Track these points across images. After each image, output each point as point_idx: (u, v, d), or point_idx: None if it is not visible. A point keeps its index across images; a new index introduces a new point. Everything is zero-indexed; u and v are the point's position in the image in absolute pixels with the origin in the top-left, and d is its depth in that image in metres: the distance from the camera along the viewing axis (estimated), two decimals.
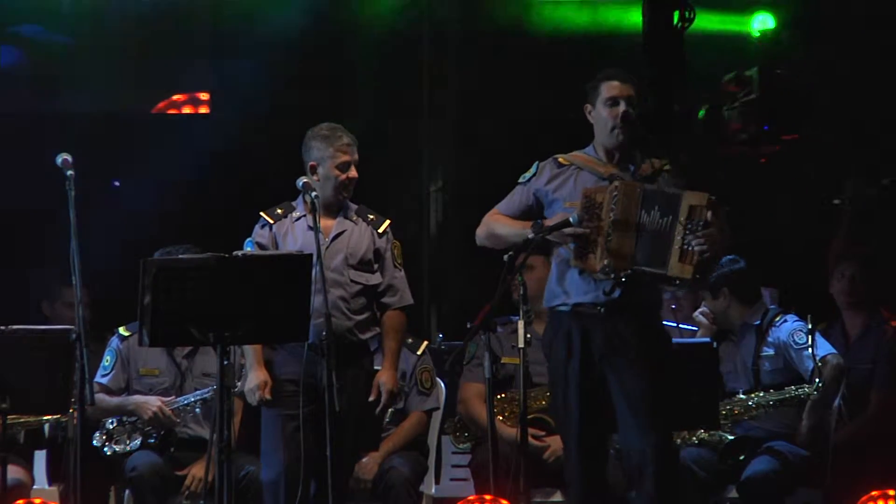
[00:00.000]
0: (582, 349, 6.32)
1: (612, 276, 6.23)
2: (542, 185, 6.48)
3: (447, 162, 10.43)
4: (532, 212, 6.50)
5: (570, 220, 6.31)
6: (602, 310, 6.30)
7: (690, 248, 6.13)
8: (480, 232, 6.61)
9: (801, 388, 7.52)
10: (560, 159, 6.49)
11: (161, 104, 10.12)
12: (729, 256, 7.73)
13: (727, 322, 7.79)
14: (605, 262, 6.23)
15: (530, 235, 6.34)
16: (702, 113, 4.93)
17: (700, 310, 7.91)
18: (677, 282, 6.26)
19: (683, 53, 4.77)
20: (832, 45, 9.26)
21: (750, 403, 7.56)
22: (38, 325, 7.11)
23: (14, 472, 7.19)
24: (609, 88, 6.39)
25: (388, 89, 10.07)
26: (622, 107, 6.36)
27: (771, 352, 7.64)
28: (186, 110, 10.15)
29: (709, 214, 6.13)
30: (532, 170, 6.54)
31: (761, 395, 7.57)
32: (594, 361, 6.31)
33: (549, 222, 6.37)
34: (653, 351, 6.31)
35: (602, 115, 6.39)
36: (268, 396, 6.80)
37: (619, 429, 6.35)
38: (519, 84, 9.90)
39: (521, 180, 6.56)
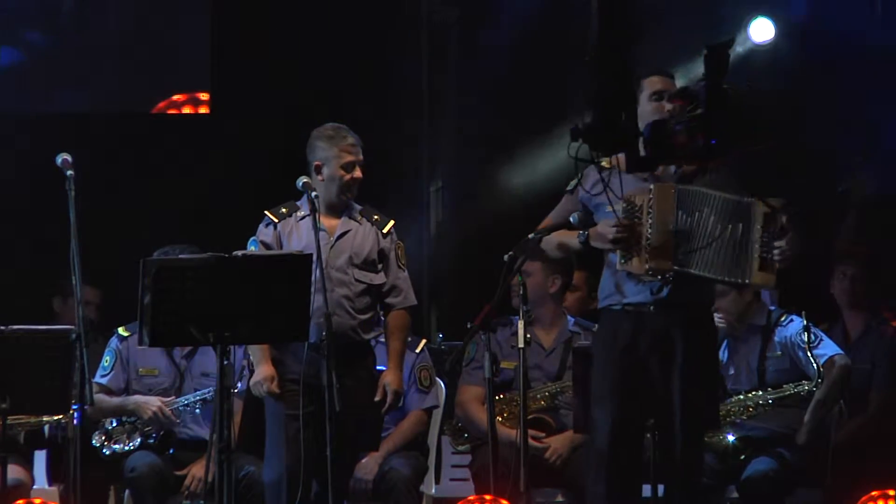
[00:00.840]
0: (630, 346, 6.31)
1: (659, 277, 6.24)
2: (586, 190, 6.44)
3: (447, 162, 10.42)
4: (580, 219, 6.47)
5: (571, 219, 6.31)
6: (652, 308, 6.29)
7: (772, 257, 6.11)
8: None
9: (799, 384, 7.52)
10: (603, 163, 6.42)
11: (161, 104, 10.12)
12: None
13: (743, 320, 7.75)
14: (647, 265, 6.24)
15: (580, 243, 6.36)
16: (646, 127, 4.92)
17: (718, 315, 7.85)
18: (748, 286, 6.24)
19: (629, 68, 4.77)
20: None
21: (748, 403, 7.56)
22: (43, 323, 7.11)
23: (14, 472, 7.19)
24: (652, 83, 6.29)
25: (389, 90, 10.07)
26: (668, 103, 6.23)
27: (778, 352, 7.62)
28: (186, 110, 10.15)
29: (784, 220, 6.09)
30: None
31: (759, 393, 7.56)
32: (640, 358, 6.30)
33: (593, 231, 6.34)
34: (698, 353, 6.30)
35: (647, 111, 6.23)
36: (275, 389, 6.80)
37: (657, 426, 6.35)
38: (519, 83, 9.91)
39: (567, 188, 6.52)
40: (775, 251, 6.12)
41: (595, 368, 6.47)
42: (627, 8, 4.79)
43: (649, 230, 6.22)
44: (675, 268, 6.21)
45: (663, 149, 4.93)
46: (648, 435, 6.47)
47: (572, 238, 6.42)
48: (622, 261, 6.29)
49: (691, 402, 6.25)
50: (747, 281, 6.22)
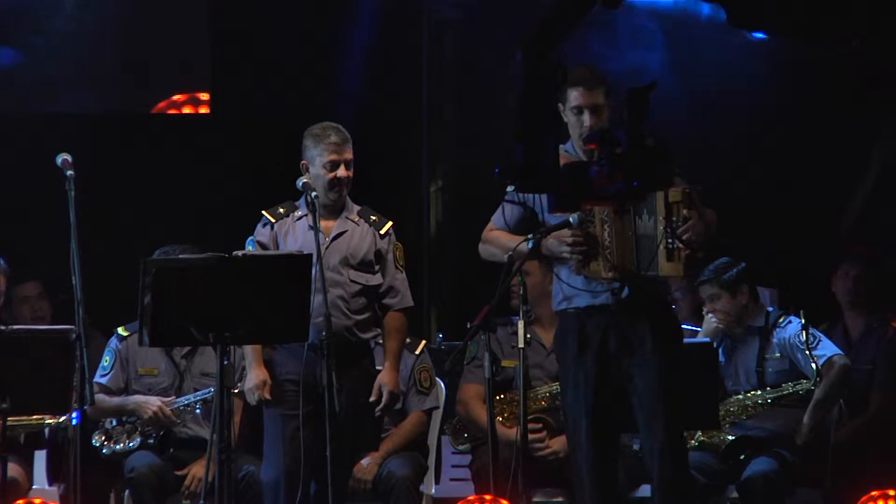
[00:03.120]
0: (599, 347, 6.27)
1: (621, 280, 6.23)
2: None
3: (447, 162, 10.42)
4: (525, 220, 6.42)
5: (570, 220, 6.27)
6: (614, 309, 6.27)
7: (676, 247, 6.09)
8: (482, 249, 6.56)
9: (798, 384, 7.52)
10: None
11: (161, 104, 10.12)
12: (724, 259, 7.75)
13: (741, 322, 7.74)
14: (611, 274, 6.23)
15: (530, 245, 6.28)
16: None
17: (709, 315, 7.83)
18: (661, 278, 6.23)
19: (555, 110, 4.88)
20: None
21: (747, 402, 7.57)
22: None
23: (9, 470, 7.16)
24: (575, 97, 6.23)
25: (389, 89, 10.07)
26: (587, 118, 6.21)
27: (776, 354, 7.63)
28: (186, 110, 10.14)
29: (685, 211, 6.06)
30: None
31: (758, 393, 7.57)
32: (609, 359, 6.27)
33: (546, 241, 6.29)
34: (667, 348, 6.27)
35: (570, 121, 6.27)
36: (267, 396, 6.81)
37: (637, 426, 6.32)
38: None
39: (508, 190, 6.43)
40: (678, 241, 6.06)
41: (563, 377, 6.41)
42: (553, 52, 4.91)
43: (608, 237, 6.21)
44: (641, 273, 6.19)
45: (581, 190, 5.04)
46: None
47: (521, 243, 6.33)
48: (578, 265, 6.25)
49: (662, 403, 6.22)
50: (657, 274, 6.16)
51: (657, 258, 6.12)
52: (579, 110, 6.25)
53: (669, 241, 6.08)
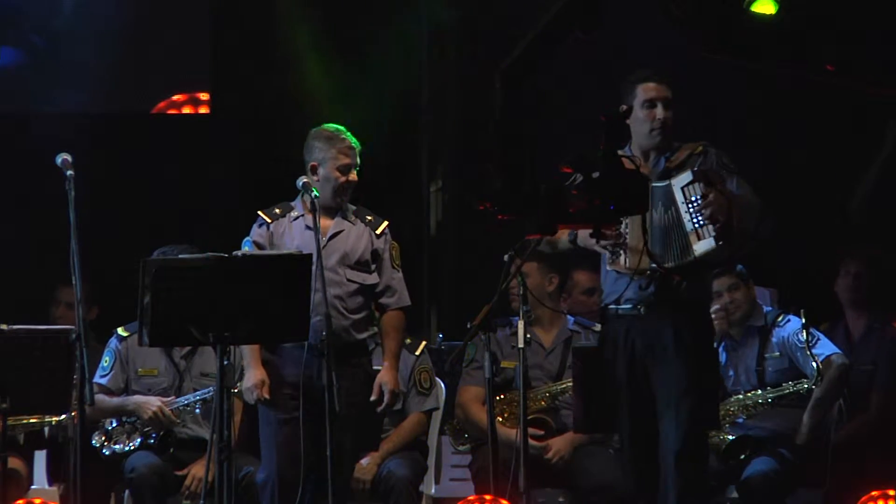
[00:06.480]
0: (624, 348, 6.34)
1: (648, 273, 6.25)
2: None
3: (447, 162, 10.42)
4: None
5: None
6: (642, 309, 6.30)
7: (700, 225, 6.14)
8: None
9: (799, 383, 7.52)
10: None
11: (161, 104, 10.12)
12: None
13: (748, 317, 7.72)
14: (628, 265, 6.28)
15: (570, 237, 6.39)
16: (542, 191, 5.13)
17: (715, 307, 7.83)
18: (715, 259, 6.24)
19: (533, 138, 4.96)
20: None
21: (748, 402, 7.56)
22: (42, 323, 7.11)
23: (10, 463, 7.15)
24: (646, 90, 6.37)
25: (389, 90, 10.07)
26: (660, 110, 6.35)
27: (776, 353, 7.62)
28: (186, 110, 10.14)
29: (700, 187, 6.13)
30: None
31: (758, 392, 7.57)
32: (636, 359, 6.32)
33: (581, 231, 6.36)
34: (689, 351, 6.29)
35: (639, 117, 6.36)
36: (265, 395, 6.80)
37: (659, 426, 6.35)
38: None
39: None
40: (699, 219, 6.13)
41: (607, 373, 6.48)
42: (530, 80, 4.97)
43: (626, 230, 6.25)
44: (653, 265, 6.23)
45: (560, 213, 5.09)
46: None
47: (562, 236, 6.44)
48: (609, 260, 6.35)
49: (679, 406, 6.23)
50: (694, 256, 6.19)
51: (688, 242, 6.17)
52: (651, 103, 6.37)
53: (694, 221, 6.12)
